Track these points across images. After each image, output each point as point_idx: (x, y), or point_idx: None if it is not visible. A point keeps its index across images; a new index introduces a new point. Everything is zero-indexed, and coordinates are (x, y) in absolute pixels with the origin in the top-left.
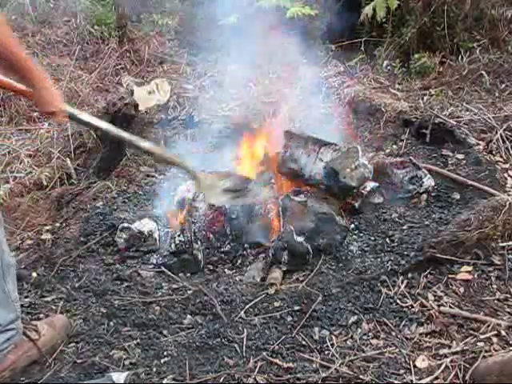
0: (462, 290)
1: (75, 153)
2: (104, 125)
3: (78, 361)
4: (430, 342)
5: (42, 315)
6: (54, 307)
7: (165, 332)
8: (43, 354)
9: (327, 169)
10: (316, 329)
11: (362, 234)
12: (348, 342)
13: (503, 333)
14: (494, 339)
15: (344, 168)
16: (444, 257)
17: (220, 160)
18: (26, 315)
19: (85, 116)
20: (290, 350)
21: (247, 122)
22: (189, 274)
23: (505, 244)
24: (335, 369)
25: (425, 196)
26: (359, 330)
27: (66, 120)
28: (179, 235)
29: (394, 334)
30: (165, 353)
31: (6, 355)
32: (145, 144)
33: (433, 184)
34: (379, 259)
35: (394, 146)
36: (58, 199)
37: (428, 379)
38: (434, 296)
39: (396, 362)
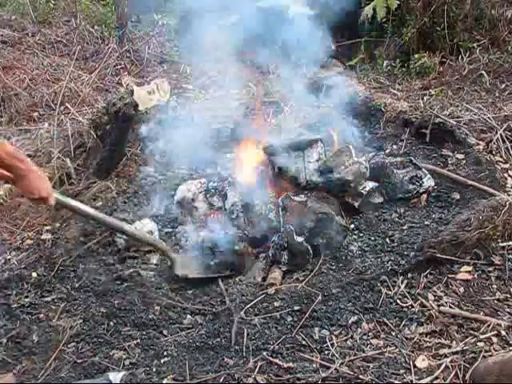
0: (461, 289)
1: (75, 153)
2: (91, 211)
3: (78, 361)
4: (430, 342)
5: (41, 315)
6: (54, 307)
7: (165, 332)
8: None
9: (322, 167)
10: (316, 329)
11: (362, 234)
12: (348, 341)
13: (503, 333)
14: (494, 339)
15: (338, 165)
16: (444, 257)
17: (220, 161)
18: (26, 315)
19: (73, 202)
20: (289, 350)
21: (247, 122)
22: None
23: (505, 244)
24: (335, 369)
25: (425, 196)
26: (359, 330)
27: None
28: None
29: (393, 333)
30: (165, 353)
31: None
32: (127, 228)
33: (433, 184)
34: (379, 259)
35: (394, 146)
36: None
37: (428, 379)
38: (434, 296)
39: (396, 362)
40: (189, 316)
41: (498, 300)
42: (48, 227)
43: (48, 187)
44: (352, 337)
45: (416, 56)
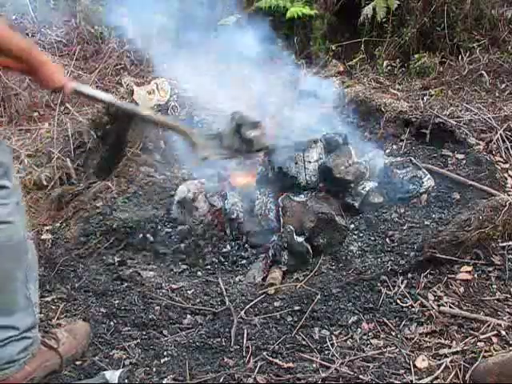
0: (462, 289)
1: (75, 153)
2: (108, 97)
3: (78, 361)
4: (430, 342)
5: (41, 315)
6: (54, 307)
7: (165, 332)
8: (62, 364)
9: (321, 167)
10: (316, 329)
11: (362, 234)
12: (348, 341)
13: (503, 333)
14: (494, 339)
15: (338, 166)
16: (444, 257)
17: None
18: None
19: (89, 90)
20: (290, 350)
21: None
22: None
23: (505, 244)
24: (335, 369)
25: (425, 196)
26: (359, 330)
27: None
28: None
29: (393, 333)
30: (165, 353)
31: (22, 365)
32: (146, 113)
33: (433, 184)
34: (379, 259)
35: (394, 146)
36: (58, 199)
37: (428, 379)
38: (434, 296)
39: (396, 362)
40: (189, 316)
41: (497, 300)
42: (48, 227)
43: (62, 78)
44: (352, 337)
45: (416, 56)
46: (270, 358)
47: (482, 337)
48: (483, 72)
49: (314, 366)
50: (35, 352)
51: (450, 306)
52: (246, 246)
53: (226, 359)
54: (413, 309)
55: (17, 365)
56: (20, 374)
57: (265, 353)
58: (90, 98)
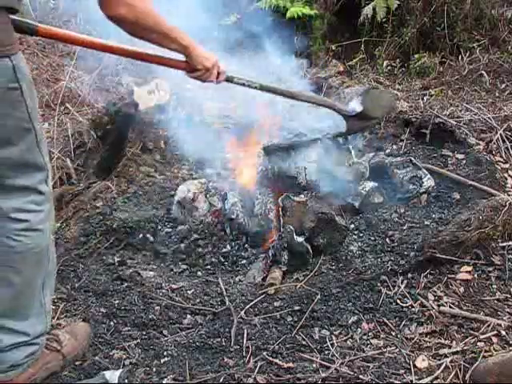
0: (462, 289)
1: (75, 153)
2: (257, 85)
3: (78, 361)
4: (430, 342)
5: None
6: (53, 307)
7: (165, 332)
8: (64, 366)
9: (321, 168)
10: (316, 329)
11: (362, 234)
12: (348, 341)
13: (503, 333)
14: (494, 339)
15: (338, 166)
16: (444, 257)
17: (220, 161)
18: None
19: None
20: (290, 350)
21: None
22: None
23: (505, 244)
24: (335, 369)
25: (425, 196)
26: (359, 330)
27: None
28: None
29: (393, 333)
30: (165, 353)
31: (26, 369)
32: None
33: (433, 184)
34: (379, 259)
35: (394, 146)
36: (58, 199)
37: (428, 379)
38: (434, 296)
39: (396, 362)
40: (189, 316)
41: (497, 300)
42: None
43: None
44: (352, 337)
45: (416, 56)
46: (270, 358)
47: (482, 337)
48: (483, 72)
49: (314, 365)
50: (39, 355)
51: (450, 306)
52: (246, 245)
53: (226, 359)
54: (413, 309)
55: (21, 368)
56: (23, 376)
57: (265, 353)
58: (241, 84)
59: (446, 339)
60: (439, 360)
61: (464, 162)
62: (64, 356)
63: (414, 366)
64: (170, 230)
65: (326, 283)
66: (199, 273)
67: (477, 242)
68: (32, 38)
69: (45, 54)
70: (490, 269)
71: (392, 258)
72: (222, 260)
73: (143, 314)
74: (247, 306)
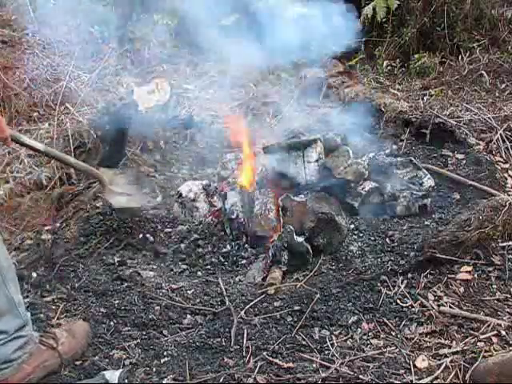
0: (462, 289)
1: (75, 153)
2: (42, 147)
3: (78, 361)
4: (430, 342)
5: (41, 315)
6: (54, 307)
7: (165, 332)
8: (62, 364)
9: (321, 168)
10: (316, 329)
11: (361, 234)
12: (348, 341)
13: (503, 333)
14: (494, 339)
15: (337, 166)
16: (444, 257)
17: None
18: None
19: (26, 139)
20: (290, 350)
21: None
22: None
23: (505, 244)
24: (335, 369)
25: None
26: (359, 330)
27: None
28: None
29: (394, 333)
30: (165, 353)
31: (20, 365)
32: (72, 160)
33: (433, 184)
34: (379, 259)
35: (394, 146)
36: (58, 199)
37: (428, 379)
38: (434, 296)
39: (396, 362)
40: (189, 316)
41: (497, 300)
42: (48, 227)
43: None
44: (352, 337)
45: (416, 56)
46: (270, 358)
47: (482, 337)
48: (483, 72)
49: (314, 365)
50: (33, 351)
51: (450, 306)
52: (246, 246)
53: (226, 359)
54: (413, 309)
55: (15, 364)
56: (19, 374)
57: (265, 353)
58: (26, 146)
59: (445, 339)
60: (439, 360)
61: (464, 162)
62: (60, 354)
63: (414, 365)
64: (170, 230)
65: (326, 283)
66: (199, 273)
67: (477, 242)
68: (32, 37)
69: (45, 54)
70: (490, 269)
71: (392, 258)
72: (222, 260)
73: (143, 314)
74: (247, 306)
